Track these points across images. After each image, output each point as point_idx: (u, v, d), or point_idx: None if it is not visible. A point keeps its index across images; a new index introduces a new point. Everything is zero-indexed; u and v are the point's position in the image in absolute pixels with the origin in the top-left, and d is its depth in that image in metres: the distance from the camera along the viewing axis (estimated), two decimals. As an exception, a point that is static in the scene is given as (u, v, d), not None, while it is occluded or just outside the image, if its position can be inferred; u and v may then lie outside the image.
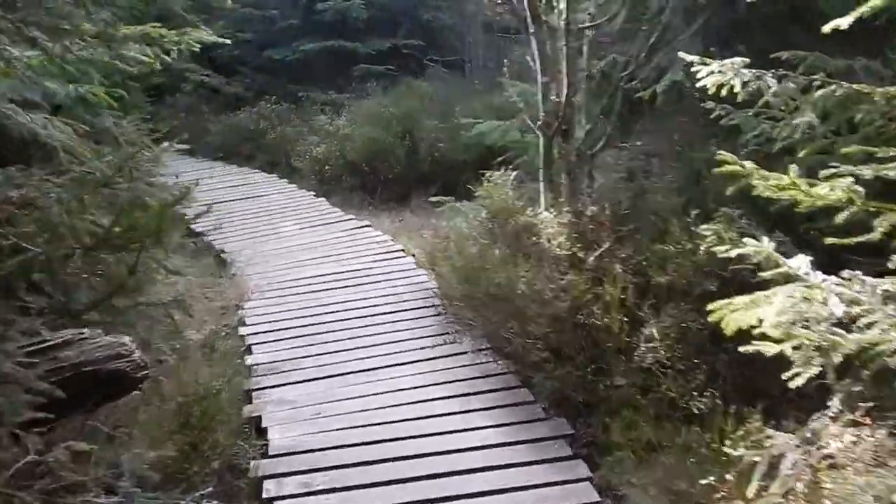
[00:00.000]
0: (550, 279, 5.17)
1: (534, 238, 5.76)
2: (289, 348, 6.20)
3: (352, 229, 9.42)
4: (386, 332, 6.36)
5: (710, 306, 3.11)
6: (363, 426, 4.97)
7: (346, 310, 6.91)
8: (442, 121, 11.61)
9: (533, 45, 5.84)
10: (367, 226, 9.54)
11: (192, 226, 9.86)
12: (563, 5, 5.74)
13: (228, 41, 5.09)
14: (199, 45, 4.02)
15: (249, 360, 5.99)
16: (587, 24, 6.02)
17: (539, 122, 5.96)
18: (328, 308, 6.97)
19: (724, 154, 3.13)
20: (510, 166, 9.34)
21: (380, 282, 7.61)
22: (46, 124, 4.93)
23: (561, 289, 5.05)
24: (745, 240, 3.70)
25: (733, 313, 2.94)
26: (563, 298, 4.99)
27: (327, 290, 7.46)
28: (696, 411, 4.68)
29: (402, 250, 8.57)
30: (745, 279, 4.59)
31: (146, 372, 4.71)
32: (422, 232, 10.23)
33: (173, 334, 6.11)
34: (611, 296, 4.99)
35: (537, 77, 5.98)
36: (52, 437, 3.99)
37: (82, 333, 4.39)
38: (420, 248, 9.21)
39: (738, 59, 4.21)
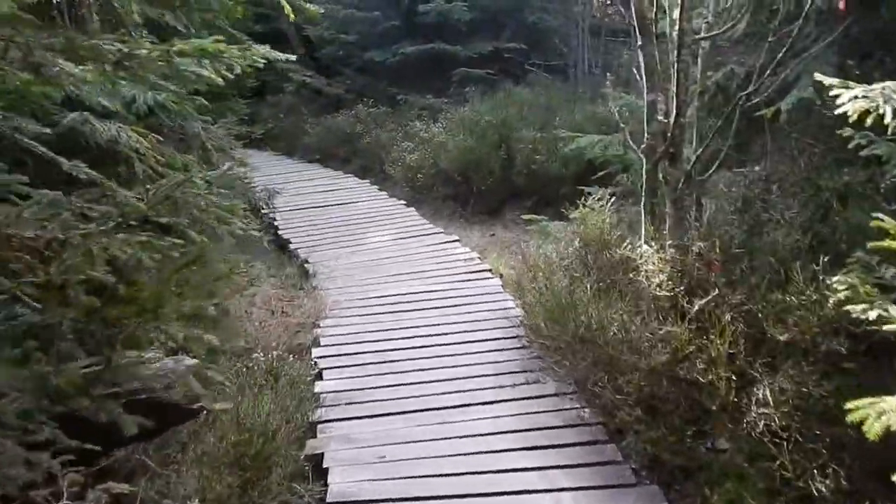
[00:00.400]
0: (648, 326, 4.56)
1: (631, 274, 5.16)
2: (361, 376, 5.83)
3: (439, 244, 9.01)
4: (465, 365, 5.90)
5: (849, 404, 2.48)
6: (429, 476, 4.52)
7: (426, 335, 6.50)
8: (541, 130, 11.04)
9: (639, 58, 5.22)
10: (455, 241, 9.11)
11: (280, 232, 9.83)
12: (675, 14, 5.10)
13: (293, 56, 4.74)
14: (264, 61, 3.67)
15: (318, 386, 5.65)
16: (703, 35, 5.35)
17: (643, 145, 5.34)
18: (407, 332, 6.57)
19: (883, 219, 2.48)
20: (611, 183, 8.80)
21: (463, 304, 7.15)
22: (119, 133, 4.74)
23: (660, 339, 4.44)
24: (891, 308, 3.02)
25: (881, 417, 2.31)
26: (662, 351, 4.37)
27: (408, 311, 7.06)
28: (816, 493, 3.98)
29: (490, 270, 8.09)
30: (884, 339, 3.89)
31: (202, 403, 4.44)
32: (513, 248, 9.75)
33: (240, 356, 5.90)
34: (718, 349, 4.34)
35: (643, 92, 5.35)
36: (98, 470, 3.75)
37: (142, 357, 4.16)
38: (509, 268, 8.73)
39: (890, 84, 3.50)
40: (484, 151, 10.86)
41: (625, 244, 5.35)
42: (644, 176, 5.32)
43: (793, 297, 4.28)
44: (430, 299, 7.32)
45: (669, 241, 5.15)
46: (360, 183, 12.31)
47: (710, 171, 5.59)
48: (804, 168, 5.73)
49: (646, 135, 5.29)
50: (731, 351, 4.36)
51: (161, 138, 6.04)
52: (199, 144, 7.43)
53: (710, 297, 4.38)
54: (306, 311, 7.09)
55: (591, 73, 15.17)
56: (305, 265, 8.53)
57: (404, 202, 10.98)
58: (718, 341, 4.37)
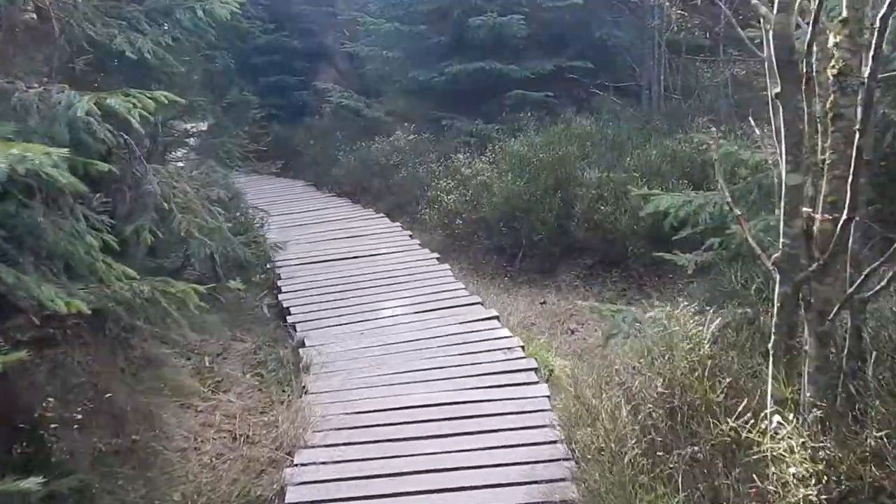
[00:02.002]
0: None
1: (751, 465, 3.13)
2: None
3: (473, 322, 7.06)
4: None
5: None
6: None
7: (437, 489, 4.57)
8: (607, 171, 9.02)
9: (778, 117, 3.17)
10: (493, 317, 7.15)
11: (281, 297, 8.05)
12: (832, 40, 3.07)
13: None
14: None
15: None
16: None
17: (775, 255, 3.30)
18: (409, 482, 4.66)
19: None
20: (699, 246, 6.73)
21: (495, 430, 5.21)
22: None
23: None
24: None
25: None
26: None
27: (418, 437, 5.16)
28: None
29: (535, 370, 6.09)
30: None
31: None
32: (568, 324, 7.77)
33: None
34: None
35: (780, 168, 3.30)
36: None
37: None
38: (563, 357, 6.78)
39: None
40: (536, 196, 8.89)
41: (739, 410, 3.31)
42: (776, 302, 3.29)
43: None
44: (451, 417, 5.41)
45: (818, 413, 3.11)
46: (389, 227, 10.45)
47: (876, 287, 3.51)
48: None
49: (781, 240, 3.25)
50: None
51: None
52: (154, 205, 5.71)
53: None
54: (282, 435, 5.23)
55: (668, 97, 13.03)
56: (300, 350, 6.69)
57: (437, 256, 9.07)
58: None
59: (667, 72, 13.21)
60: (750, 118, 4.22)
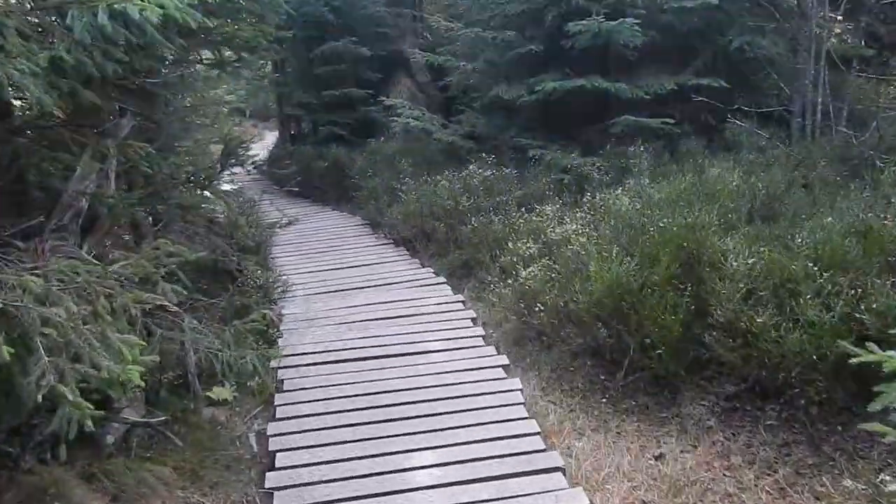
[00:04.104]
0: None
1: None
2: None
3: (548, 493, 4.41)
4: None
5: None
6: None
7: None
8: (760, 249, 6.11)
9: None
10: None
11: (271, 427, 5.61)
12: None
13: None
14: None
15: None
16: None
17: None
18: None
19: None
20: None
21: None
22: None
23: None
24: None
25: None
26: None
27: None
28: None
29: None
30: None
31: None
32: (701, 507, 4.96)
33: None
34: None
35: None
36: None
37: None
38: None
39: None
40: (650, 283, 6.10)
41: None
42: None
43: None
44: None
45: None
46: (447, 303, 7.86)
47: None
48: None
49: None
50: None
51: None
52: None
53: None
54: None
55: (828, 126, 9.85)
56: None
57: (504, 363, 6.42)
58: None
59: (826, 93, 10.03)
60: None
